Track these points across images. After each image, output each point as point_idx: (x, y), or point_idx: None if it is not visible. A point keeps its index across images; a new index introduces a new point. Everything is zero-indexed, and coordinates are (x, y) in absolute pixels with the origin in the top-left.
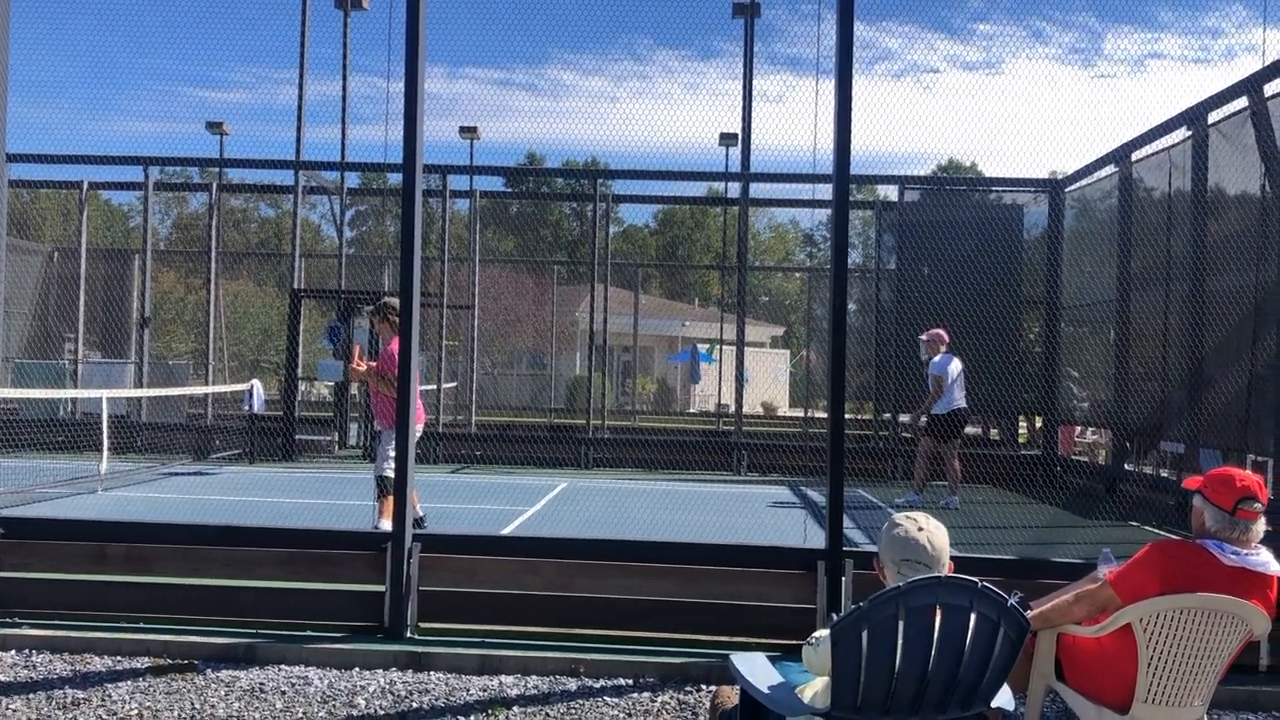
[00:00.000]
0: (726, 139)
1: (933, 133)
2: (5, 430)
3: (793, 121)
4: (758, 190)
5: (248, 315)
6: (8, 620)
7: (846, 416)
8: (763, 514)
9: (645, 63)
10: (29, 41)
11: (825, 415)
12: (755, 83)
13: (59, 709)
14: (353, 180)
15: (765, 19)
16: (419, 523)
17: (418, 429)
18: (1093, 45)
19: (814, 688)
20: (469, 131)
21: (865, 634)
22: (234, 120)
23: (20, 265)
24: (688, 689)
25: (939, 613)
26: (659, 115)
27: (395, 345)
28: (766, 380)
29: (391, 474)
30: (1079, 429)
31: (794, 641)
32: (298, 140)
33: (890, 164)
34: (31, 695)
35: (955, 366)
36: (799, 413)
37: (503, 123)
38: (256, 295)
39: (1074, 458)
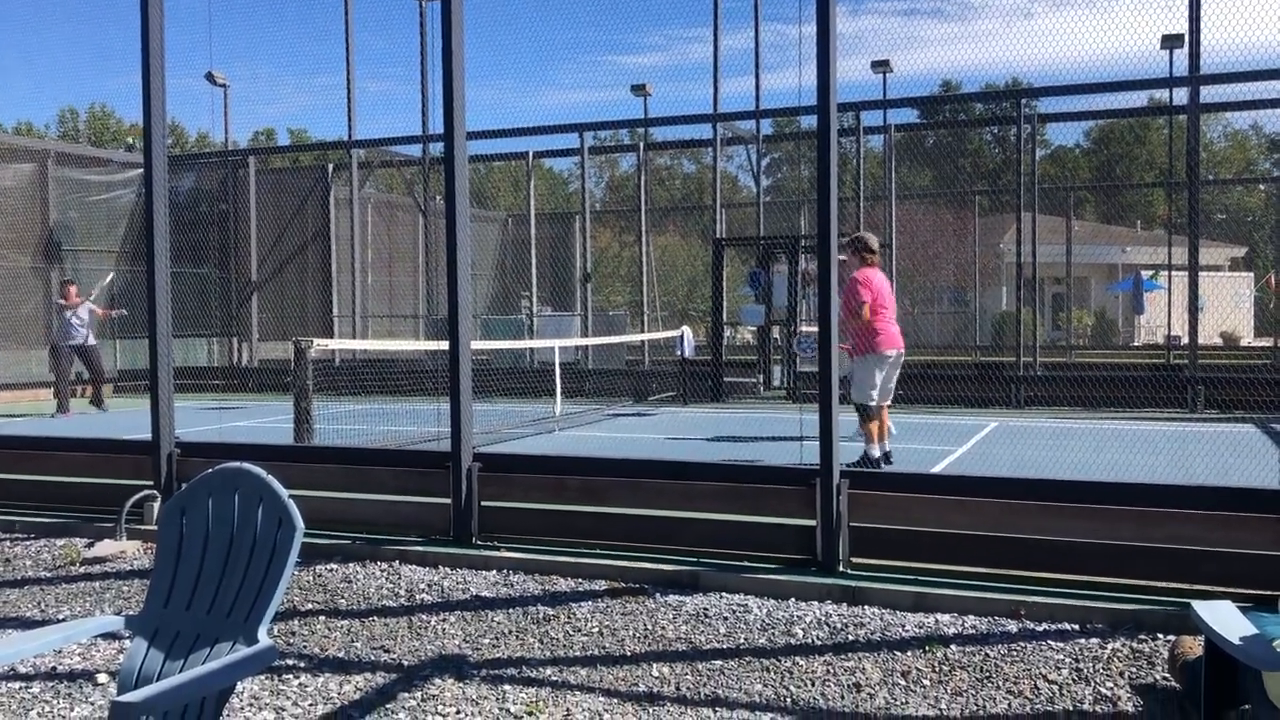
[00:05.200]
0: (1170, 40)
1: None
2: (477, 378)
3: (1248, 14)
4: (1210, 94)
5: (675, 266)
6: (489, 544)
7: None
8: (1225, 455)
9: None
10: (474, 25)
11: None
12: None
13: (533, 623)
14: (766, 128)
15: None
16: (887, 457)
17: (892, 354)
18: None
19: None
20: (881, 65)
21: None
22: (653, 81)
23: (481, 233)
24: (1141, 637)
25: None
26: (1084, 24)
27: (859, 274)
28: (1226, 307)
29: (871, 400)
30: None
31: (1267, 592)
32: (714, 94)
33: None
34: (510, 610)
35: None
36: (1266, 342)
37: (912, 53)
38: (682, 247)
39: None
